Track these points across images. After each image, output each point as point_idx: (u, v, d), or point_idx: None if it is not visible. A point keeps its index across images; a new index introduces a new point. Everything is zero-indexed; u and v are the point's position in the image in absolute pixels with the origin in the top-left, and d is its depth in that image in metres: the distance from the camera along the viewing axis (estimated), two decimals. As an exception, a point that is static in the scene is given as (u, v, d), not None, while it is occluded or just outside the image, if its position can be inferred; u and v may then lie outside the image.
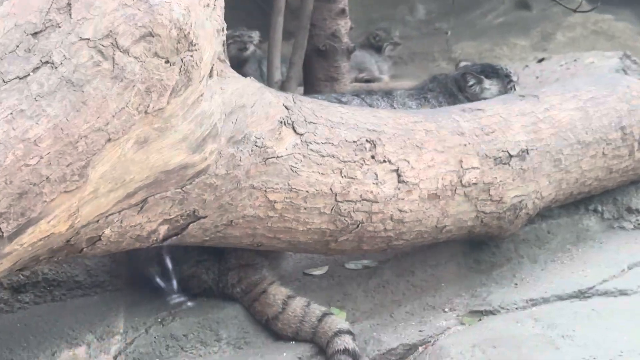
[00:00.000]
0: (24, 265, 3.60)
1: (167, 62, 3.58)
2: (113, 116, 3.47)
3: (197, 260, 4.60)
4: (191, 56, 3.65)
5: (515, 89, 5.92)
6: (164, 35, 3.54)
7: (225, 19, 4.06)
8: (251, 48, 9.78)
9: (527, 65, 9.13)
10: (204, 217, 4.02)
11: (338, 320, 4.48)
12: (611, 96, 5.19)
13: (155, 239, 3.96)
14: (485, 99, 5.58)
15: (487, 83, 5.92)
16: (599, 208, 5.45)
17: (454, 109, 4.83)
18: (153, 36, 3.52)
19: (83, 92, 3.40)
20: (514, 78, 6.02)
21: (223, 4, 4.07)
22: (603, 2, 12.59)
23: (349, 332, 4.42)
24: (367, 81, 10.70)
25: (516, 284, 4.93)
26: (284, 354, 4.40)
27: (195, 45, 3.66)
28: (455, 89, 5.89)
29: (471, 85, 5.89)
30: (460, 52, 12.02)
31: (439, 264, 5.01)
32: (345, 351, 4.34)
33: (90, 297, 4.67)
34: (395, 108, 5.58)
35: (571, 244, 5.26)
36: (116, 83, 3.46)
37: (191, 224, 4.01)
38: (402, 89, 6.16)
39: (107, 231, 3.75)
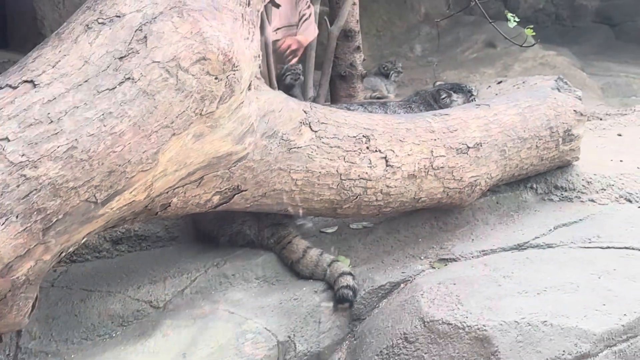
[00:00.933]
0: (114, 224, 3.56)
1: (216, 78, 3.51)
2: (177, 117, 3.41)
3: (242, 220, 4.52)
4: (234, 74, 3.59)
5: (475, 101, 5.79)
6: (213, 59, 3.48)
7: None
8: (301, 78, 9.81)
9: (489, 86, 8.97)
10: (245, 190, 3.96)
11: (342, 265, 4.42)
12: (542, 105, 5.06)
13: (210, 205, 3.90)
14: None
15: (454, 96, 5.80)
16: (534, 186, 5.32)
17: (428, 114, 4.74)
18: (206, 60, 3.46)
19: (154, 99, 3.35)
20: (474, 93, 5.91)
21: (259, 38, 3.99)
22: (547, 42, 12.62)
23: (350, 274, 4.36)
24: (378, 98, 10.78)
25: (473, 240, 4.82)
26: (304, 289, 4.33)
27: (237, 66, 3.59)
28: (432, 100, 5.78)
29: (443, 98, 5.77)
30: (445, 78, 12.10)
31: (418, 225, 4.90)
32: (347, 287, 4.28)
33: (167, 247, 4.62)
34: (387, 114, 5.49)
35: (513, 211, 5.13)
36: (179, 93, 3.41)
37: (236, 195, 3.95)
38: (395, 101, 6.09)
39: (174, 200, 3.70)
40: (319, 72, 8.09)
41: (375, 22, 14.40)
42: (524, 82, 8.54)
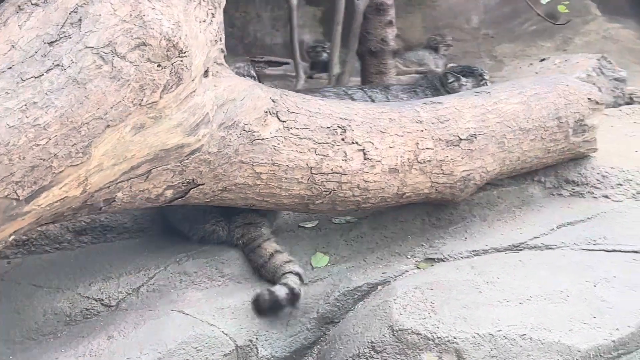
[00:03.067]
0: (49, 220, 3.37)
1: (159, 65, 3.28)
2: (111, 107, 3.19)
3: (216, 220, 4.29)
4: (181, 61, 3.34)
5: (487, 85, 5.41)
6: (155, 44, 3.24)
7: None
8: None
9: (531, 64, 8.56)
10: (202, 184, 3.72)
11: (294, 279, 4.06)
12: (551, 93, 4.68)
13: (163, 200, 3.68)
14: (463, 92, 5.11)
15: (463, 80, 5.44)
16: (542, 179, 4.94)
17: (418, 102, 4.41)
18: (146, 45, 3.23)
19: (86, 88, 3.13)
20: (486, 77, 5.53)
21: (220, 19, 3.72)
22: (613, 13, 12.07)
23: (298, 294, 4.02)
24: (424, 73, 10.50)
25: (466, 238, 4.48)
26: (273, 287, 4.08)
27: (185, 52, 3.35)
28: (439, 84, 5.44)
29: (451, 82, 5.42)
30: (499, 52, 11.73)
31: (407, 220, 4.59)
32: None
33: (134, 239, 4.41)
34: (389, 99, 5.18)
35: (516, 207, 4.76)
36: (114, 82, 3.17)
37: (192, 189, 3.71)
38: (399, 84, 5.77)
39: (119, 194, 3.48)
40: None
41: (431, -8, 14.05)
42: (566, 61, 8.13)
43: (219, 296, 3.96)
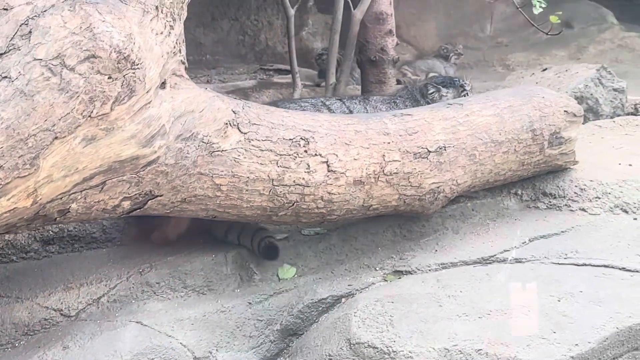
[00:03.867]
0: (2, 230, 3.36)
1: (109, 77, 3.27)
2: (59, 119, 3.18)
3: None
4: (133, 73, 3.34)
5: (468, 96, 5.36)
6: (104, 57, 3.23)
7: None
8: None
9: (533, 73, 8.50)
10: (160, 196, 3.71)
11: None
12: (526, 105, 4.64)
13: (121, 211, 3.67)
14: (443, 104, 5.07)
15: (444, 91, 5.39)
16: (519, 192, 4.90)
17: (387, 114, 4.39)
18: (95, 57, 3.22)
19: (33, 100, 3.12)
20: (467, 88, 5.46)
21: (180, 31, 3.72)
22: (630, 22, 11.95)
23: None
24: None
25: (436, 250, 4.45)
26: (236, 300, 4.11)
27: (138, 64, 3.34)
28: (419, 96, 5.39)
29: (431, 93, 5.37)
30: (512, 61, 11.66)
31: (378, 232, 4.57)
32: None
33: (101, 249, 4.41)
34: (367, 110, 5.15)
35: (491, 219, 4.73)
36: (62, 94, 3.17)
37: (150, 201, 3.70)
38: (379, 95, 5.73)
39: (74, 205, 3.48)
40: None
41: (445, 0, 14.02)
42: (566, 71, 8.08)
43: (179, 307, 3.96)
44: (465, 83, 5.48)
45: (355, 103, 5.18)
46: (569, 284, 3.96)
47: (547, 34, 6.99)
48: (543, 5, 6.75)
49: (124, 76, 3.30)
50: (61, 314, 3.88)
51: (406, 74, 10.43)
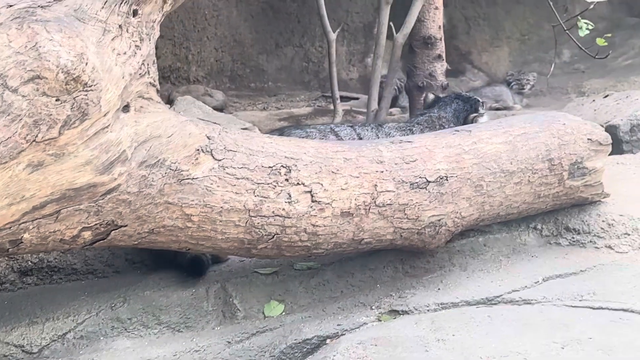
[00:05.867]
0: (-55, 261, 3.19)
1: (57, 100, 3.08)
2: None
3: None
4: (86, 95, 3.14)
5: (482, 116, 5.03)
6: (51, 77, 3.04)
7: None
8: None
9: (594, 100, 8.14)
10: (124, 226, 3.48)
11: None
12: (543, 132, 4.29)
13: (81, 242, 3.45)
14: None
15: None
16: (539, 226, 4.53)
17: (384, 141, 4.10)
18: (40, 78, 3.03)
19: (-29, 124, 2.93)
20: (481, 110, 5.13)
21: (148, 52, 3.51)
22: None
23: None
24: (498, 109, 10.26)
25: (439, 289, 4.12)
26: (214, 338, 3.83)
27: (91, 86, 3.15)
28: (438, 125, 5.07)
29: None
30: (588, 88, 11.34)
31: (378, 268, 4.26)
32: None
33: (81, 281, 4.20)
34: (378, 137, 4.87)
35: (505, 256, 4.37)
36: (3, 117, 2.98)
37: (113, 231, 3.48)
38: (394, 122, 5.42)
39: (26, 235, 3.27)
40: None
41: (520, 25, 13.77)
42: (627, 97, 7.77)
43: (149, 346, 3.72)
44: (481, 104, 5.13)
45: (367, 130, 4.91)
46: (578, 329, 3.59)
47: (594, 57, 6.64)
48: (589, 28, 6.41)
49: (74, 98, 3.11)
50: (22, 351, 3.67)
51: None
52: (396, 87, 9.91)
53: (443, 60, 7.39)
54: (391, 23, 7.31)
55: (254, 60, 12.19)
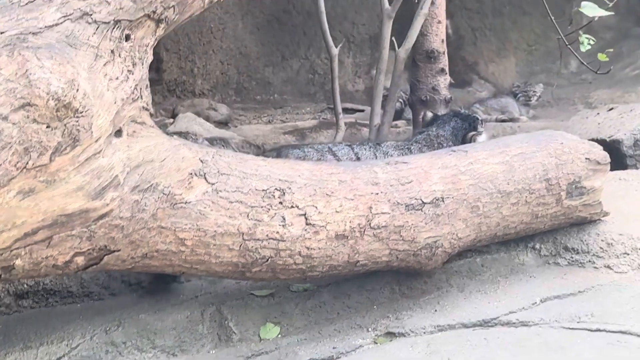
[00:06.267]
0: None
1: (47, 126, 3.08)
2: (-11, 171, 2.99)
3: None
4: (77, 121, 3.14)
5: (481, 134, 5.01)
6: (41, 104, 3.05)
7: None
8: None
9: (598, 113, 8.08)
10: (117, 251, 3.48)
11: None
12: (540, 152, 4.27)
13: (74, 267, 3.46)
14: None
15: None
16: (538, 246, 4.50)
17: (379, 163, 4.08)
18: (31, 105, 3.04)
19: (-40, 151, 2.94)
20: (479, 128, 5.11)
21: (141, 76, 3.51)
22: None
23: None
24: (504, 121, 10.21)
25: (436, 310, 4.10)
26: (211, 362, 3.81)
27: (82, 112, 3.15)
28: (436, 144, 5.05)
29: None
30: (595, 98, 11.26)
31: (375, 289, 4.24)
32: None
33: (76, 304, 4.20)
34: (376, 156, 4.85)
35: (502, 276, 4.34)
36: (-8, 144, 2.98)
37: (106, 256, 3.47)
38: (393, 141, 5.39)
39: (18, 262, 3.28)
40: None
41: (527, 36, 13.67)
42: (631, 110, 7.68)
43: (143, 369, 3.72)
44: (480, 121, 5.11)
45: (365, 149, 4.90)
46: (574, 352, 3.57)
47: (596, 72, 6.61)
48: (591, 43, 6.39)
49: (64, 125, 3.12)
50: (15, 376, 3.67)
51: (476, 112, 10.13)
52: (401, 100, 9.91)
53: (446, 74, 7.38)
54: (393, 38, 7.28)
55: (260, 72, 12.18)
